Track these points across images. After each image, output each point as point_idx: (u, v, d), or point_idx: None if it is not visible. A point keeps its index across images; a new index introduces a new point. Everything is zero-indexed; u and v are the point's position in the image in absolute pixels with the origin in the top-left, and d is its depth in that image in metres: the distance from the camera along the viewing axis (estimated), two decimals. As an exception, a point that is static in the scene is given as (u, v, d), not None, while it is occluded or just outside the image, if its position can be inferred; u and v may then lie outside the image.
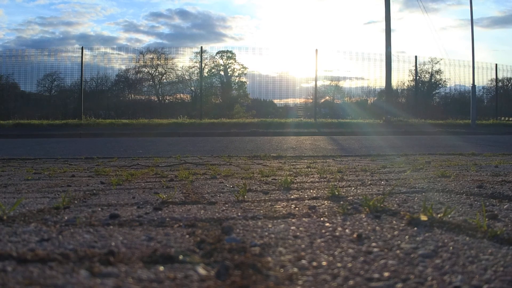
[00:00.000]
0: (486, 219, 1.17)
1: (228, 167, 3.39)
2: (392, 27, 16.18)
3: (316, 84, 17.11)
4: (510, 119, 18.29)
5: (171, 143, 8.40)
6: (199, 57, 19.98)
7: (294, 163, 3.82)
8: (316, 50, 16.86)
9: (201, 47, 19.43)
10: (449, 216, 1.23)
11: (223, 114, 23.18)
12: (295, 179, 2.33)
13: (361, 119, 15.91)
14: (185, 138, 10.23)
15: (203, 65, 21.61)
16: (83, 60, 17.67)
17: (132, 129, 12.47)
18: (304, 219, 1.23)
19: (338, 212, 1.33)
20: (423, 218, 1.18)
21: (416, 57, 19.22)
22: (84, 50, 17.61)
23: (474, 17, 16.23)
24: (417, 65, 19.77)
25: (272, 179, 2.36)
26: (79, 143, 8.90)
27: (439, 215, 1.21)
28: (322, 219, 1.23)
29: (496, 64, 20.00)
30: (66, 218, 1.26)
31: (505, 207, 1.40)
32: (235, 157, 4.68)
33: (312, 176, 2.55)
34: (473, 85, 15.33)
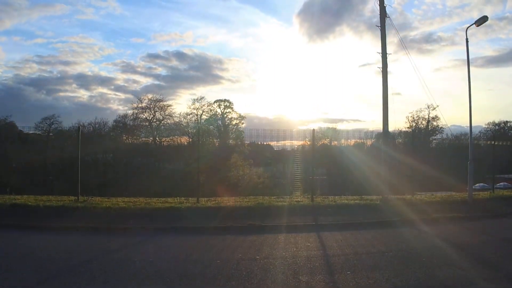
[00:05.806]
0: None
1: None
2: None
3: (313, 160, 17.21)
4: (505, 193, 18.43)
5: (169, 259, 8.43)
6: (196, 103, 20.06)
7: None
8: (313, 129, 16.93)
9: (200, 121, 19.43)
10: None
11: (221, 163, 23.24)
12: None
13: (358, 197, 15.95)
14: (184, 242, 10.29)
15: (200, 111, 21.77)
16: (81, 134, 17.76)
17: (129, 215, 12.44)
18: None
19: None
20: None
21: (413, 125, 19.35)
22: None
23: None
24: (414, 117, 19.94)
25: None
26: (76, 250, 9.05)
27: None
28: None
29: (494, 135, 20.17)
30: None
31: None
32: None
33: None
34: (471, 161, 15.44)
